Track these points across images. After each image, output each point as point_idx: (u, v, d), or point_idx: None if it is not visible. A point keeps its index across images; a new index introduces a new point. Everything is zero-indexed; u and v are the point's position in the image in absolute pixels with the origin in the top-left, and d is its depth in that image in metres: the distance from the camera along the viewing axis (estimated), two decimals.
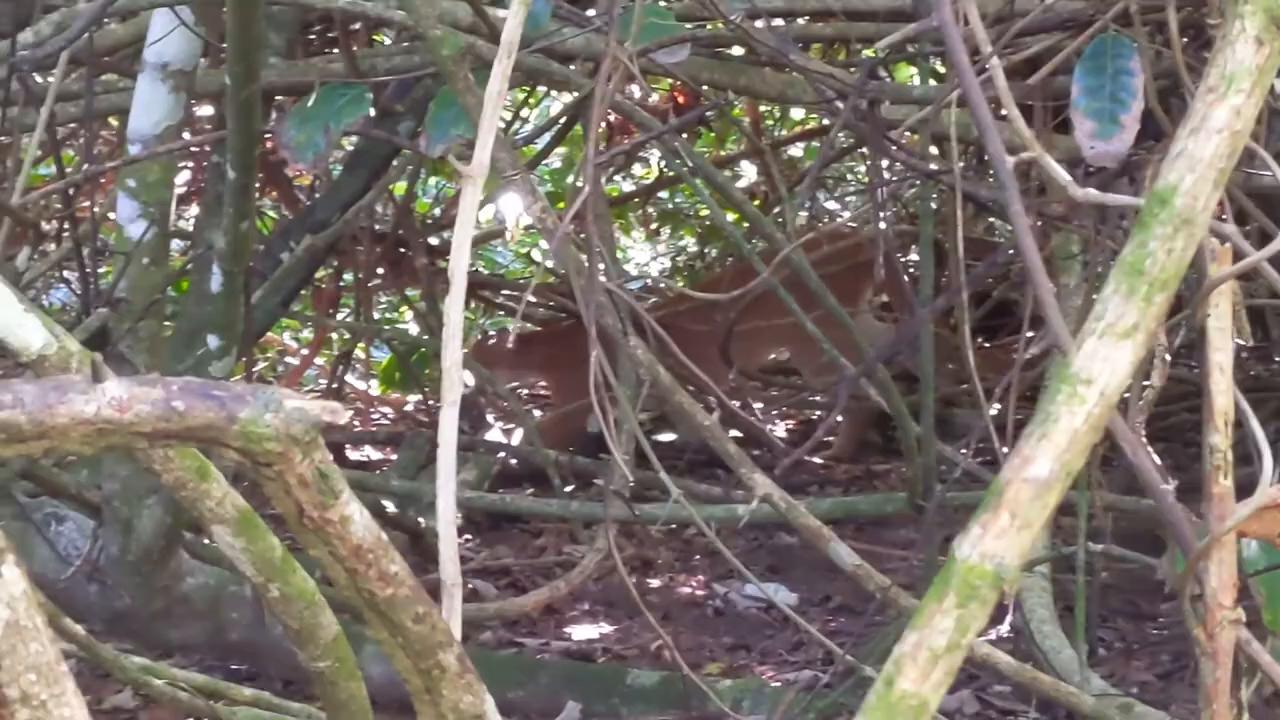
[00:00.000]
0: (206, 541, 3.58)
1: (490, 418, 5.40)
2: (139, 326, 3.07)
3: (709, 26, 3.48)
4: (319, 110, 2.72)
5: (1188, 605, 1.48)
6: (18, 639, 1.07)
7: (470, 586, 4.28)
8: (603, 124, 2.56)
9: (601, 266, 2.44)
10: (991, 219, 5.95)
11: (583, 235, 2.53)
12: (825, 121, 5.44)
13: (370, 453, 5.68)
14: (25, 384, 1.03)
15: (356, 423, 6.44)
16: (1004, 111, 1.55)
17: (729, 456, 2.68)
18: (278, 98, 4.11)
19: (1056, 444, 1.12)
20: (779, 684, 3.57)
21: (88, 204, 3.06)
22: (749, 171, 6.87)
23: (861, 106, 2.40)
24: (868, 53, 2.70)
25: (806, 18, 3.92)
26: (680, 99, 5.37)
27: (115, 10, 2.90)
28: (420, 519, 4.24)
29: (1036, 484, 1.11)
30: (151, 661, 2.73)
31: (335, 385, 5.76)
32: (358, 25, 4.69)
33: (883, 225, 3.08)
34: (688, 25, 2.77)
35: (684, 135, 4.87)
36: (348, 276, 5.70)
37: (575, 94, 3.77)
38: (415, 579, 1.39)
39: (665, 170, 6.34)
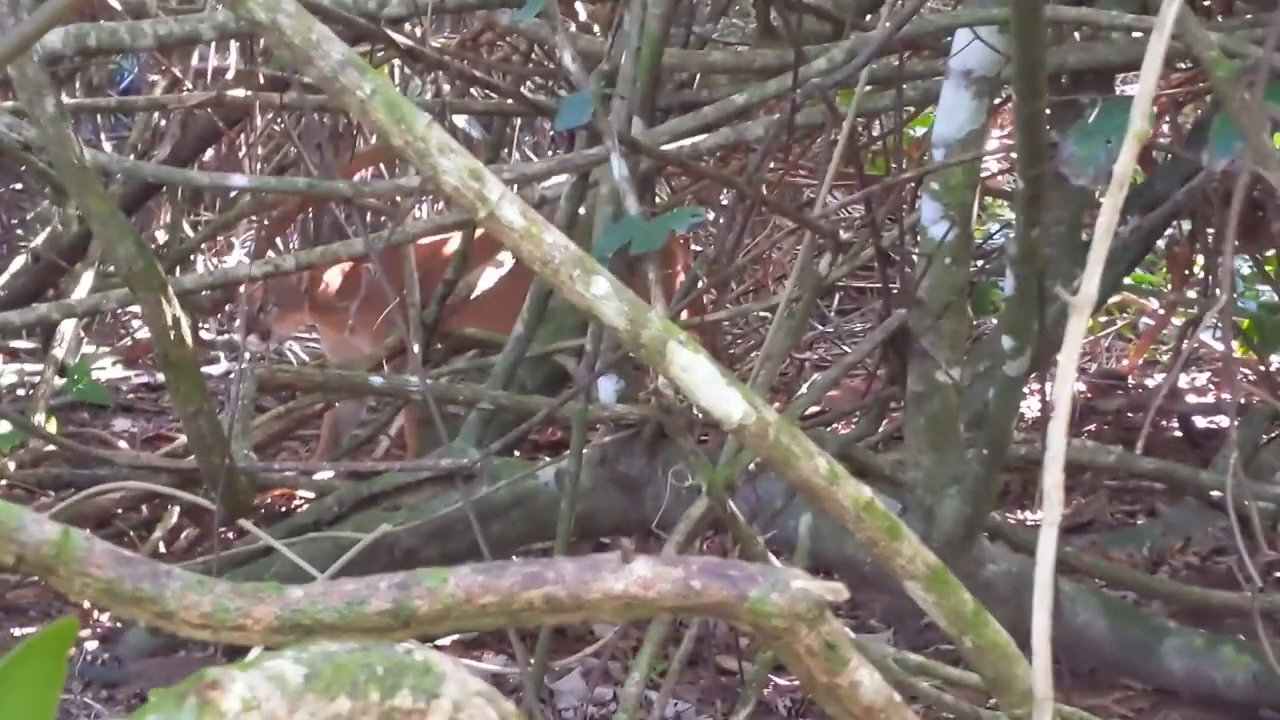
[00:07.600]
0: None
1: None
2: (939, 324, 3.21)
3: None
4: (1100, 125, 2.74)
5: None
6: None
7: None
8: None
9: None
10: None
11: None
12: None
13: (1221, 420, 5.56)
14: (566, 563, 1.17)
15: (1211, 387, 6.35)
16: None
17: None
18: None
19: None
20: None
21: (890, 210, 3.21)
22: None
23: None
24: None
25: None
26: None
27: (908, 35, 3.02)
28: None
29: None
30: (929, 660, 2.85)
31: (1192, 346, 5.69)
32: None
33: None
34: None
35: None
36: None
37: None
38: None
39: None
